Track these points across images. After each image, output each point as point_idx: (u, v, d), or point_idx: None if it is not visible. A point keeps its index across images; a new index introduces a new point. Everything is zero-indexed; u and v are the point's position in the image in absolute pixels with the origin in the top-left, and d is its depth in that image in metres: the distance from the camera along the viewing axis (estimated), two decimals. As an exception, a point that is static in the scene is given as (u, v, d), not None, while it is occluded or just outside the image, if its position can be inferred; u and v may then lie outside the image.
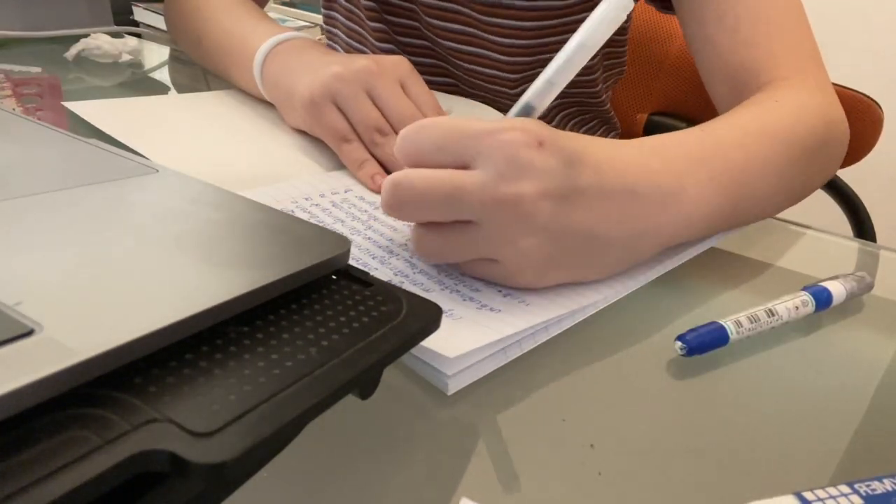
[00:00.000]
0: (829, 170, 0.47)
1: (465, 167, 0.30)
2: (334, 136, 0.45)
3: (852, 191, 0.77)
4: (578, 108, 0.73)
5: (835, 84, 0.75)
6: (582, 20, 0.65)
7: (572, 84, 0.67)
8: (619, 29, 0.66)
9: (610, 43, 0.68)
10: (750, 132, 0.40)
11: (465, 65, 0.65)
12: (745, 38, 0.49)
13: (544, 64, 0.64)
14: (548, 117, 0.72)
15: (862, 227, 0.77)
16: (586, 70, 0.68)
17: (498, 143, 0.29)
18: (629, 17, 0.67)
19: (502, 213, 0.29)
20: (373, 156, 0.44)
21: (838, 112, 0.47)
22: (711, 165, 0.37)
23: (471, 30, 0.63)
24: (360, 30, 0.70)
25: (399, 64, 0.47)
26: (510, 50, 0.62)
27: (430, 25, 0.64)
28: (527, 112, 0.33)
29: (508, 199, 0.29)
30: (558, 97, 0.70)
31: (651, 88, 0.89)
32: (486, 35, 0.62)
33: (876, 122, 0.75)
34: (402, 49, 0.67)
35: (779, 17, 0.49)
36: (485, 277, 0.33)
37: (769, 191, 0.41)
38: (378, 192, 0.42)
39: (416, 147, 0.31)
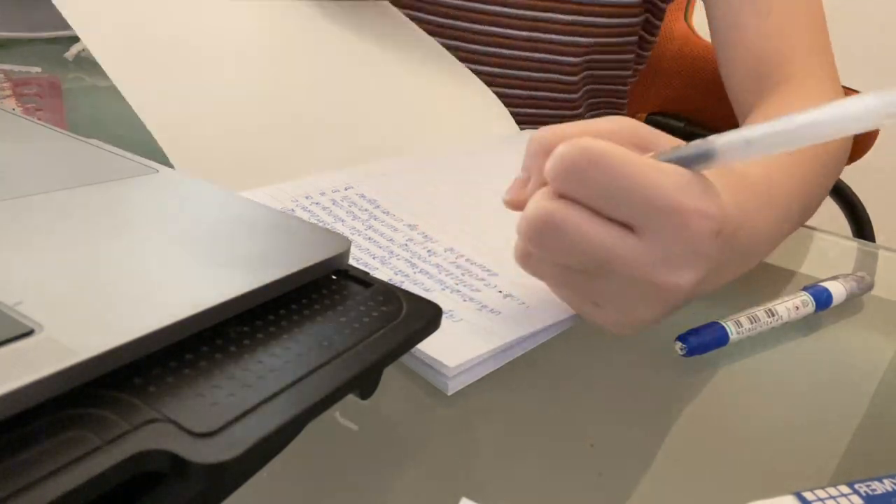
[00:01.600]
0: (835, 178, 0.48)
1: (627, 224, 0.25)
2: None
3: (851, 190, 0.77)
4: (605, 108, 0.73)
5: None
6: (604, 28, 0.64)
7: (609, 80, 0.66)
8: (653, 27, 0.66)
9: (644, 46, 0.68)
10: (814, 159, 0.40)
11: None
12: (774, 26, 0.49)
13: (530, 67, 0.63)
14: (579, 110, 0.70)
15: (861, 226, 0.77)
16: (623, 66, 0.68)
17: (678, 223, 0.25)
18: (659, 23, 0.67)
19: (646, 289, 0.26)
20: None
21: None
22: (792, 214, 0.37)
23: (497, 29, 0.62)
24: None
25: None
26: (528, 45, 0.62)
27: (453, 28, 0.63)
28: (708, 156, 0.26)
29: (664, 286, 0.26)
30: (590, 95, 0.70)
31: (649, 88, 0.89)
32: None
33: None
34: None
35: (806, 12, 0.50)
36: (573, 308, 0.29)
37: (812, 208, 0.41)
38: None
39: (581, 186, 0.25)
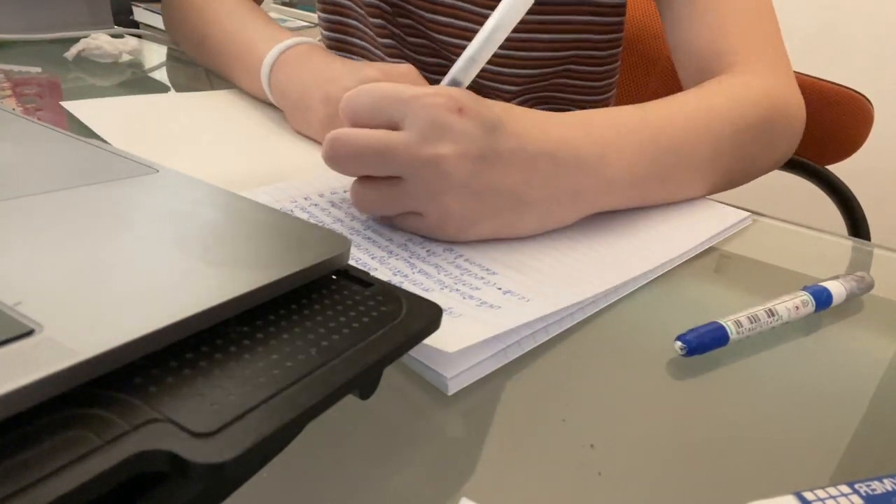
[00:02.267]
0: (777, 150, 0.49)
1: (395, 128, 0.33)
2: None
3: (849, 190, 0.77)
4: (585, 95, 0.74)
5: (826, 81, 0.75)
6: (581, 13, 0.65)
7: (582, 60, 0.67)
8: (615, 38, 0.67)
9: (613, 46, 0.68)
10: (683, 109, 0.42)
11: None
12: (711, 22, 0.51)
13: (540, 62, 0.64)
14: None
15: (857, 225, 0.77)
16: (599, 90, 0.69)
17: (422, 106, 0.33)
18: (623, 20, 0.68)
19: (424, 170, 0.33)
20: None
21: (789, 96, 0.49)
22: (637, 136, 0.39)
23: (464, 24, 0.63)
24: (364, 28, 0.70)
25: (407, 73, 0.49)
26: (508, 44, 0.62)
27: (423, 19, 0.64)
28: (453, 86, 0.36)
29: (429, 158, 0.32)
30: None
31: (644, 87, 0.89)
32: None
33: (866, 117, 0.76)
34: (405, 46, 0.67)
35: (748, 5, 0.51)
36: (413, 230, 0.36)
37: (703, 166, 0.43)
38: None
39: (354, 109, 0.35)
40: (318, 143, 0.50)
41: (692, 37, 0.52)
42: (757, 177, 0.48)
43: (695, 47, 0.52)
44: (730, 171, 0.45)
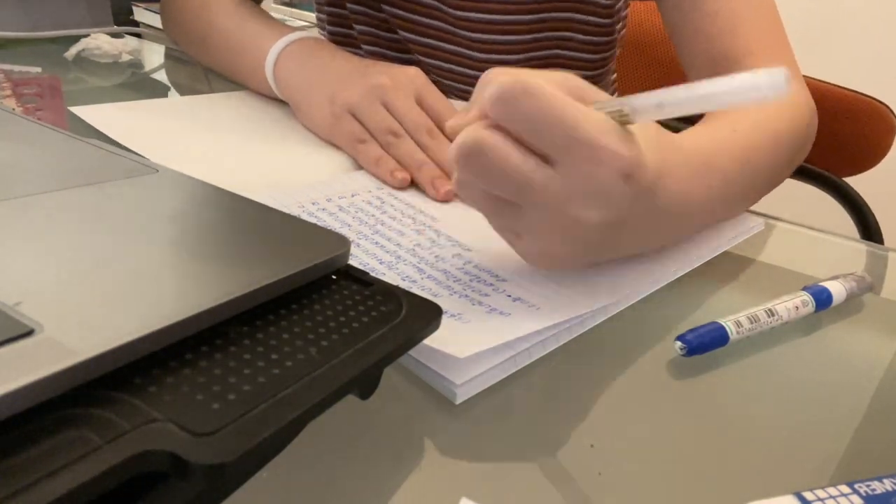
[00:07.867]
0: (797, 162, 0.50)
1: (547, 156, 0.27)
2: (350, 139, 0.47)
3: (859, 195, 0.76)
4: None
5: (847, 89, 0.75)
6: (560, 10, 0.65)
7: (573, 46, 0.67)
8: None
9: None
10: (762, 139, 0.42)
11: (440, 63, 0.65)
12: (723, 26, 0.51)
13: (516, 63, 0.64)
14: None
15: (868, 230, 0.76)
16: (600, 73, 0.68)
17: (590, 159, 0.27)
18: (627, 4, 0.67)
19: (557, 222, 0.28)
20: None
21: (809, 103, 0.49)
22: (732, 193, 0.39)
23: (442, 24, 0.63)
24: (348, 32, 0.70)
25: (415, 78, 0.48)
26: (484, 47, 0.62)
27: (396, 17, 0.64)
28: (624, 115, 0.28)
29: (569, 219, 0.28)
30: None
31: (644, 88, 0.89)
32: (459, 31, 0.62)
33: (889, 129, 0.75)
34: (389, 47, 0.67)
35: (755, 8, 0.51)
36: (504, 238, 0.32)
37: (758, 190, 0.44)
38: (397, 187, 0.44)
39: (511, 114, 0.27)
40: (317, 139, 0.50)
41: (706, 40, 0.52)
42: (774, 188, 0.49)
43: (710, 51, 0.51)
44: (765, 188, 0.45)
